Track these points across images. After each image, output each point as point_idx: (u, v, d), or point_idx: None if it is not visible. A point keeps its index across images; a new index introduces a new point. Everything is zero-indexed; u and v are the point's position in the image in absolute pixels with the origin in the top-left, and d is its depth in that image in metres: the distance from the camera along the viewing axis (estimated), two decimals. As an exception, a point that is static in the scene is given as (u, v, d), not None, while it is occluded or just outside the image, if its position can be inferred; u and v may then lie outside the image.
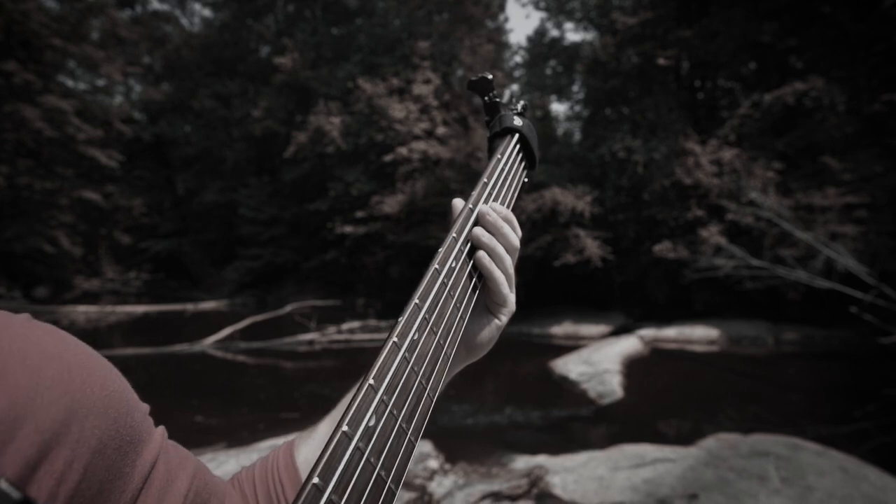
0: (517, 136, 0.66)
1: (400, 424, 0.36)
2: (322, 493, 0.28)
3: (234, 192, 22.98)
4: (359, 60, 20.26)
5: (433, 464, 3.29)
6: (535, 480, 2.83)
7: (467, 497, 2.75)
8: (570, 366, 8.52)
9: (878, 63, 11.77)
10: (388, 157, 17.03)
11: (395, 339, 0.39)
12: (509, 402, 7.13)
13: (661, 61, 13.50)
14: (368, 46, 20.62)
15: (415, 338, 0.40)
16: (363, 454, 0.31)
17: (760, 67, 14.20)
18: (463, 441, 5.14)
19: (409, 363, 0.39)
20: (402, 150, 16.72)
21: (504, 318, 0.57)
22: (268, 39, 24.87)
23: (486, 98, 0.70)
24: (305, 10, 23.96)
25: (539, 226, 12.84)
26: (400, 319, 0.40)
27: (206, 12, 29.25)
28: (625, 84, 14.95)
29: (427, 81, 18.07)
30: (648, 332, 11.25)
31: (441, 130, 17.22)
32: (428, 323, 0.42)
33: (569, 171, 14.24)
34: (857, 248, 9.73)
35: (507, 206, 0.60)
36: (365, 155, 18.74)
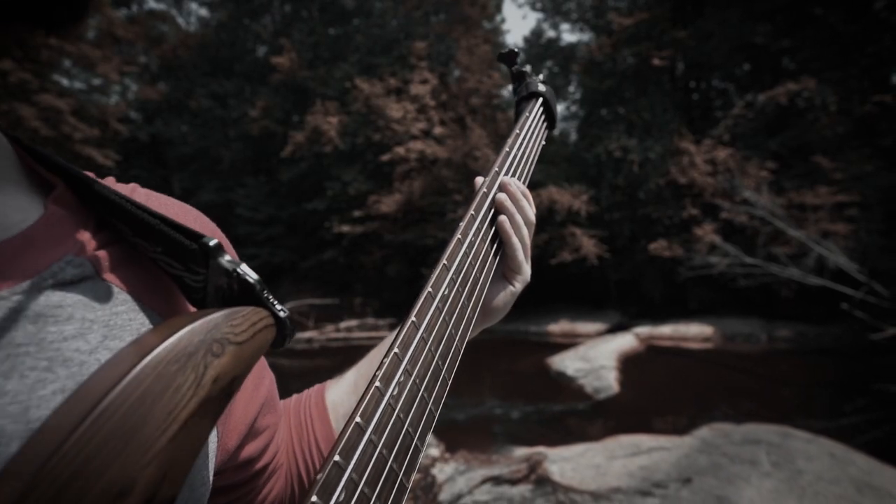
0: (541, 99, 0.76)
1: (436, 362, 0.41)
2: (364, 431, 0.32)
3: (230, 191, 22.98)
4: (356, 60, 20.32)
5: (434, 452, 3.39)
6: (534, 465, 2.93)
7: (468, 481, 2.84)
8: (566, 362, 8.63)
9: (870, 64, 11.94)
10: (385, 157, 17.09)
11: (429, 289, 0.43)
12: (508, 397, 7.23)
13: (657, 62, 13.64)
14: (366, 47, 20.69)
15: (445, 293, 0.45)
16: (394, 409, 0.35)
17: (754, 68, 14.37)
18: (463, 434, 5.23)
19: (441, 313, 0.43)
20: (400, 150, 16.78)
21: (518, 286, 0.60)
22: (265, 39, 24.89)
23: (513, 68, 0.78)
24: (302, 10, 24.00)
25: (536, 224, 12.91)
26: (432, 273, 0.45)
27: (203, 12, 29.24)
28: (620, 84, 15.09)
29: (424, 81, 18.13)
30: (644, 330, 11.37)
31: (438, 130, 17.29)
32: (455, 282, 0.47)
33: (565, 171, 14.36)
34: (848, 246, 9.88)
35: (531, 164, 0.68)
36: (362, 155, 18.80)
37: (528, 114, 0.72)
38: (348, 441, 0.31)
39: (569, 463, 3.57)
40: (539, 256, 13.17)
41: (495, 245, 0.56)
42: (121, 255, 0.33)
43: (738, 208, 11.23)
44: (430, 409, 0.39)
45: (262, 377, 0.46)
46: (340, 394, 0.59)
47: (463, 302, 0.47)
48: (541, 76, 0.79)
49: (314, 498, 0.27)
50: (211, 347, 0.25)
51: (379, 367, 0.36)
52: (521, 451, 3.88)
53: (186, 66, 25.07)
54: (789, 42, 12.71)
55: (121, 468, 0.21)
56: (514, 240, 0.57)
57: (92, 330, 0.28)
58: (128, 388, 0.22)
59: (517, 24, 57.17)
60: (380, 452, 0.33)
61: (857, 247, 9.97)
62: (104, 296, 0.30)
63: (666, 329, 11.48)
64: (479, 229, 0.53)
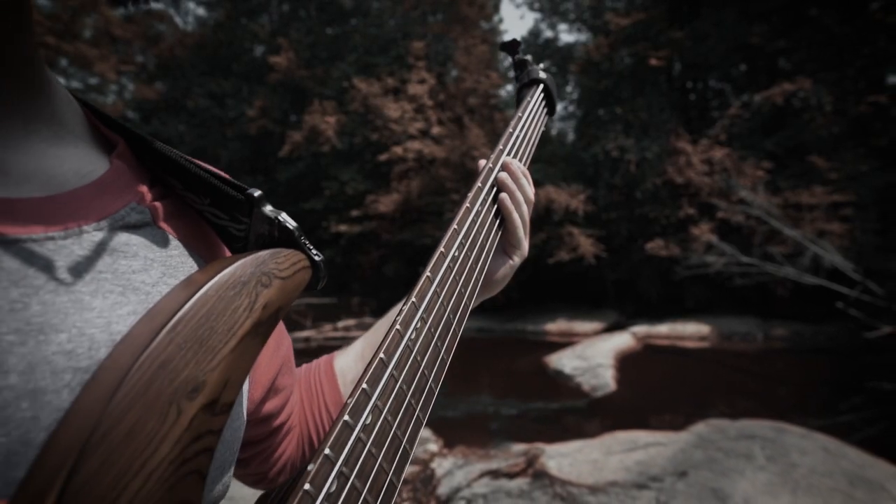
0: (542, 85, 0.79)
1: (447, 315, 0.45)
2: (370, 397, 0.35)
3: (228, 191, 22.92)
4: (354, 60, 20.33)
5: (433, 447, 3.41)
6: (531, 459, 2.96)
7: (467, 474, 2.88)
8: (564, 361, 8.67)
9: (865, 65, 12.02)
10: (383, 157, 17.10)
11: (441, 248, 0.48)
12: (505, 395, 7.26)
13: (654, 62, 13.70)
14: (363, 46, 20.70)
15: (456, 253, 0.49)
16: (398, 381, 0.38)
17: (750, 69, 14.44)
18: (461, 431, 5.26)
19: (451, 271, 0.48)
20: (398, 150, 16.80)
21: (517, 260, 0.65)
22: (262, 39, 24.86)
23: (514, 57, 0.82)
24: (300, 9, 24.01)
25: (533, 224, 12.84)
26: (444, 235, 0.49)
27: (201, 11, 29.20)
28: (618, 84, 15.14)
29: (422, 81, 18.16)
30: (641, 329, 11.42)
31: (436, 130, 17.31)
32: (464, 246, 0.51)
33: (563, 170, 14.41)
34: (843, 245, 9.94)
35: (531, 147, 0.72)
36: (360, 154, 18.82)
37: (529, 99, 0.75)
38: (357, 404, 0.34)
39: (566, 458, 3.61)
40: (536, 256, 13.22)
41: (498, 220, 0.60)
42: (172, 208, 0.37)
43: (734, 208, 11.29)
44: (442, 356, 0.43)
45: (282, 339, 0.49)
46: (348, 361, 0.63)
47: (470, 265, 0.51)
48: (542, 65, 0.82)
49: (327, 451, 0.31)
50: (261, 279, 0.30)
51: (399, 313, 0.40)
52: (518, 447, 3.91)
53: (184, 66, 25.04)
54: (785, 43, 12.78)
55: (194, 369, 0.25)
56: (515, 216, 0.61)
57: (153, 267, 0.33)
58: (197, 305, 0.26)
59: (515, 25, 57.28)
60: (384, 418, 0.36)
61: (852, 246, 10.04)
62: (161, 240, 0.35)
63: (663, 328, 11.53)
64: (484, 201, 0.57)
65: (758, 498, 2.55)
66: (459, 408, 6.54)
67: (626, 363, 8.81)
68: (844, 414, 6.60)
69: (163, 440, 0.23)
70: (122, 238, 0.32)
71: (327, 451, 0.31)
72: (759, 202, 10.70)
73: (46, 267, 0.27)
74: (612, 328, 12.12)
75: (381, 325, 0.65)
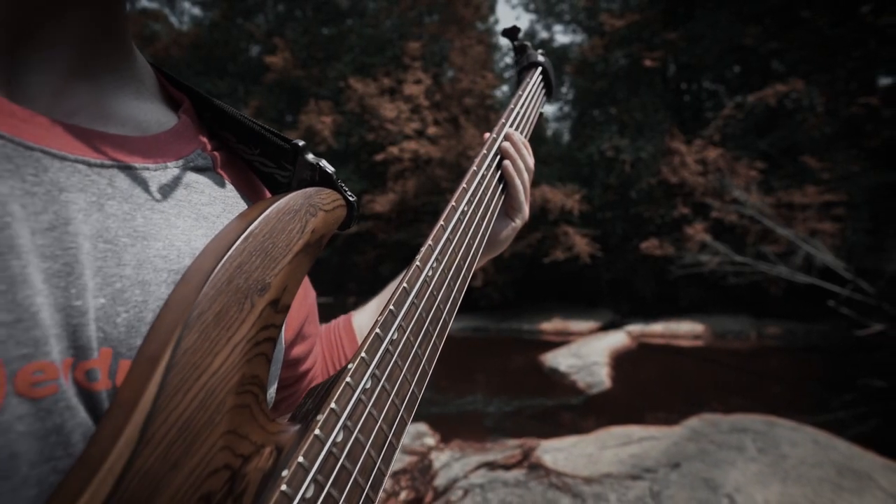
0: (540, 68, 0.85)
1: (458, 261, 0.51)
2: (382, 340, 0.39)
3: (224, 191, 22.88)
4: (350, 60, 20.34)
5: (429, 441, 3.46)
6: (527, 452, 3.00)
7: (464, 466, 2.92)
8: (559, 359, 8.73)
9: (856, 67, 12.14)
10: (379, 157, 17.12)
11: (452, 203, 0.53)
12: (501, 393, 7.31)
13: (648, 63, 13.79)
14: (359, 46, 20.70)
15: (465, 209, 0.55)
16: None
17: (744, 70, 14.56)
18: (457, 427, 5.30)
19: (462, 222, 0.54)
20: (394, 150, 16.82)
21: (519, 222, 0.71)
22: (258, 39, 24.82)
23: (515, 42, 0.88)
24: (296, 9, 23.97)
25: (529, 223, 13.00)
26: (455, 192, 0.55)
27: (196, 11, 29.13)
28: (613, 85, 15.24)
29: (418, 82, 18.19)
30: (636, 328, 11.49)
31: (432, 130, 17.34)
32: (472, 203, 0.56)
33: (558, 170, 14.48)
34: (835, 244, 10.04)
35: (531, 123, 0.77)
36: (356, 154, 18.84)
37: (528, 80, 0.81)
38: (371, 346, 0.38)
39: (561, 453, 3.65)
40: (532, 255, 13.28)
41: (501, 185, 0.66)
42: (226, 158, 0.44)
43: (728, 207, 11.38)
44: (454, 295, 0.49)
45: (308, 291, 0.54)
46: (365, 318, 0.70)
47: (478, 220, 0.57)
48: (540, 49, 0.88)
49: (349, 379, 0.35)
50: (309, 209, 0.37)
51: (417, 254, 0.46)
52: (514, 442, 3.96)
53: (179, 66, 24.96)
54: (778, 44, 12.90)
55: (261, 273, 0.31)
56: (517, 181, 0.67)
57: (216, 202, 0.39)
58: (262, 224, 0.33)
59: (510, 25, 57.43)
60: (407, 338, 0.42)
61: (844, 245, 10.15)
62: (220, 183, 0.42)
63: (657, 327, 11.61)
64: (489, 167, 0.63)
65: (748, 487, 2.61)
66: (455, 405, 6.58)
67: (621, 361, 8.87)
68: (837, 411, 6.66)
69: (242, 323, 0.30)
70: (193, 177, 0.39)
71: (349, 379, 0.36)
72: (753, 202, 10.80)
73: (145, 189, 0.34)
74: (608, 327, 12.18)
75: (396, 281, 0.71)
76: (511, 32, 0.88)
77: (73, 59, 0.34)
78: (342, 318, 0.71)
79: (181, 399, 0.26)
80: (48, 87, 0.33)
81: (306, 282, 0.53)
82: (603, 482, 2.78)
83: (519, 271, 13.78)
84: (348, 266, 18.80)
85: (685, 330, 11.47)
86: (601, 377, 7.65)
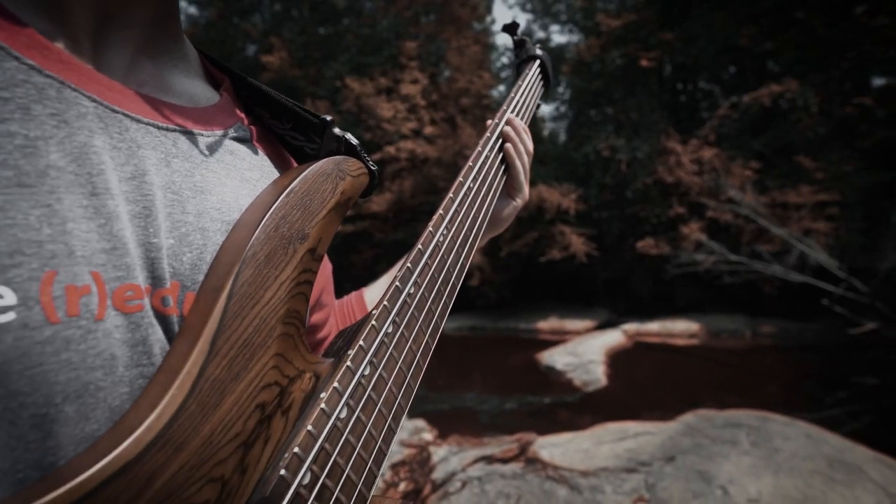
0: (538, 61, 0.90)
1: (465, 231, 0.56)
2: (401, 292, 0.45)
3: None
4: (347, 60, 20.32)
5: (427, 436, 3.48)
6: (524, 446, 3.04)
7: (461, 460, 2.95)
8: (556, 357, 8.77)
9: (850, 67, 12.24)
10: (375, 156, 17.13)
11: (460, 178, 0.58)
12: (498, 390, 7.33)
13: (644, 63, 13.86)
14: (356, 46, 20.69)
15: (471, 185, 0.60)
16: (420, 287, 0.47)
17: (739, 70, 14.65)
18: (453, 423, 5.33)
19: (469, 196, 0.58)
20: (390, 149, 16.84)
21: (519, 202, 0.76)
22: (255, 38, 24.77)
23: (514, 37, 0.93)
24: (293, 9, 23.94)
25: (525, 223, 13.09)
26: (461, 169, 0.60)
27: (192, 10, 29.06)
28: (609, 85, 15.30)
29: (415, 81, 18.21)
30: (632, 327, 11.54)
31: (428, 130, 17.37)
32: (477, 180, 0.62)
33: (554, 170, 14.53)
34: (829, 243, 10.13)
35: (529, 112, 0.82)
36: (353, 154, 18.80)
37: (527, 72, 0.86)
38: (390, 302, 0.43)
39: (557, 448, 3.69)
40: (528, 255, 13.32)
41: (503, 167, 0.70)
42: (260, 132, 0.49)
43: (723, 207, 11.46)
44: (462, 261, 0.55)
45: (326, 262, 0.58)
46: (376, 292, 0.74)
47: (482, 196, 0.62)
48: (538, 44, 0.93)
49: (374, 322, 0.41)
50: (338, 173, 0.43)
51: (423, 230, 0.50)
52: (511, 437, 3.99)
53: (175, 65, 24.83)
54: (773, 45, 12.98)
55: (301, 224, 0.37)
56: (518, 163, 0.72)
57: (255, 169, 0.45)
58: (300, 182, 0.39)
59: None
60: (422, 293, 0.47)
61: (837, 244, 10.23)
62: (256, 153, 0.47)
63: (653, 326, 11.66)
64: (492, 149, 0.67)
65: (742, 479, 2.65)
66: (452, 402, 6.61)
67: (617, 360, 8.91)
68: (830, 408, 6.70)
69: (286, 265, 0.35)
70: (235, 145, 0.44)
71: (373, 322, 0.41)
72: (748, 201, 10.87)
73: (201, 152, 0.40)
74: (604, 326, 12.23)
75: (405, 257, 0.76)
76: (511, 28, 0.93)
77: (143, 39, 0.40)
78: (354, 293, 0.75)
79: (240, 323, 0.32)
80: (123, 62, 0.39)
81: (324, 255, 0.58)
82: (599, 475, 2.81)
83: (515, 271, 13.82)
84: (345, 266, 18.79)
85: (681, 329, 11.53)
86: (597, 375, 7.69)
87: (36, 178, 0.29)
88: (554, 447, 3.69)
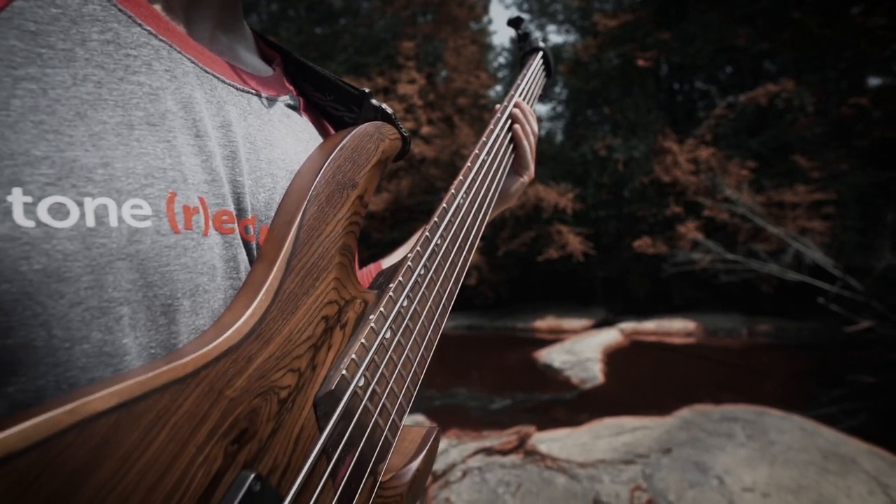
0: (541, 52, 0.97)
1: (480, 198, 0.63)
2: (430, 242, 0.52)
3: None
4: (344, 60, 20.33)
5: (427, 431, 3.50)
6: (523, 438, 3.06)
7: (461, 452, 2.97)
8: (553, 355, 8.79)
9: (847, 67, 12.31)
10: (374, 156, 17.10)
11: (475, 151, 0.65)
12: (496, 388, 7.35)
13: (641, 63, 13.90)
14: (353, 46, 20.71)
15: (485, 158, 0.66)
16: (445, 239, 0.55)
17: (736, 70, 14.71)
18: (452, 419, 5.35)
19: (483, 167, 0.65)
20: (388, 149, 16.81)
21: (526, 179, 0.84)
22: (252, 38, 24.71)
23: (518, 31, 0.99)
24: (290, 9, 23.93)
25: (523, 222, 13.13)
26: (477, 143, 0.66)
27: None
28: (606, 85, 15.34)
29: (412, 81, 18.21)
30: (628, 325, 11.57)
31: (426, 130, 17.38)
32: (490, 154, 0.68)
33: (551, 170, 14.57)
34: (825, 242, 10.17)
35: (534, 99, 0.89)
36: (351, 153, 18.79)
37: (531, 63, 0.93)
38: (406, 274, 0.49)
39: (556, 443, 3.71)
40: (526, 254, 13.34)
41: (511, 146, 0.77)
42: (306, 104, 0.57)
43: (719, 206, 11.50)
44: (479, 224, 0.62)
45: None
46: (393, 261, 0.76)
47: (494, 168, 0.69)
48: (541, 36, 1.00)
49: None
50: (379, 136, 0.49)
51: (445, 192, 0.56)
52: (510, 430, 4.01)
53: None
54: (769, 45, 13.05)
55: (352, 174, 0.45)
56: (525, 143, 0.79)
57: (305, 132, 0.52)
58: (349, 140, 0.46)
59: (504, 26, 57.48)
60: (445, 247, 0.55)
61: (833, 243, 10.27)
62: (305, 121, 0.54)
63: (650, 324, 11.69)
64: (502, 128, 0.74)
65: (737, 469, 2.67)
66: (451, 399, 6.63)
67: (614, 358, 8.94)
68: (826, 406, 6.72)
69: (342, 206, 0.43)
70: (289, 111, 0.52)
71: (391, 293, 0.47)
72: (744, 201, 10.92)
73: (268, 111, 0.48)
74: (601, 325, 12.26)
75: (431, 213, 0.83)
76: (516, 22, 1.00)
77: (220, 16, 0.49)
78: (372, 264, 0.81)
79: (308, 248, 0.40)
80: (206, 34, 0.47)
81: None
82: (597, 466, 2.84)
83: (513, 270, 13.85)
84: (343, 265, 18.77)
85: (677, 327, 11.57)
86: (594, 373, 7.71)
87: (159, 119, 0.37)
88: (552, 441, 3.71)
